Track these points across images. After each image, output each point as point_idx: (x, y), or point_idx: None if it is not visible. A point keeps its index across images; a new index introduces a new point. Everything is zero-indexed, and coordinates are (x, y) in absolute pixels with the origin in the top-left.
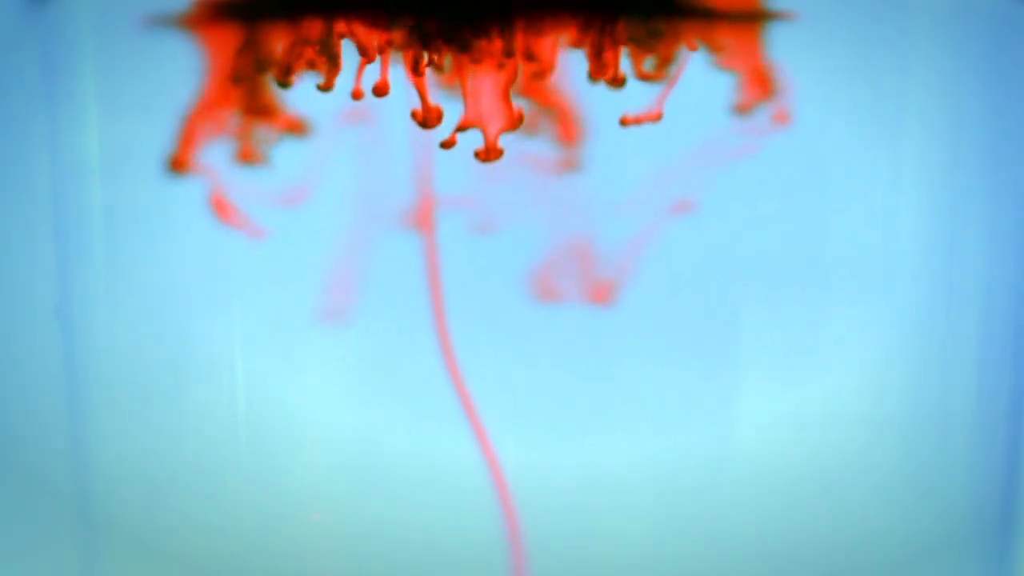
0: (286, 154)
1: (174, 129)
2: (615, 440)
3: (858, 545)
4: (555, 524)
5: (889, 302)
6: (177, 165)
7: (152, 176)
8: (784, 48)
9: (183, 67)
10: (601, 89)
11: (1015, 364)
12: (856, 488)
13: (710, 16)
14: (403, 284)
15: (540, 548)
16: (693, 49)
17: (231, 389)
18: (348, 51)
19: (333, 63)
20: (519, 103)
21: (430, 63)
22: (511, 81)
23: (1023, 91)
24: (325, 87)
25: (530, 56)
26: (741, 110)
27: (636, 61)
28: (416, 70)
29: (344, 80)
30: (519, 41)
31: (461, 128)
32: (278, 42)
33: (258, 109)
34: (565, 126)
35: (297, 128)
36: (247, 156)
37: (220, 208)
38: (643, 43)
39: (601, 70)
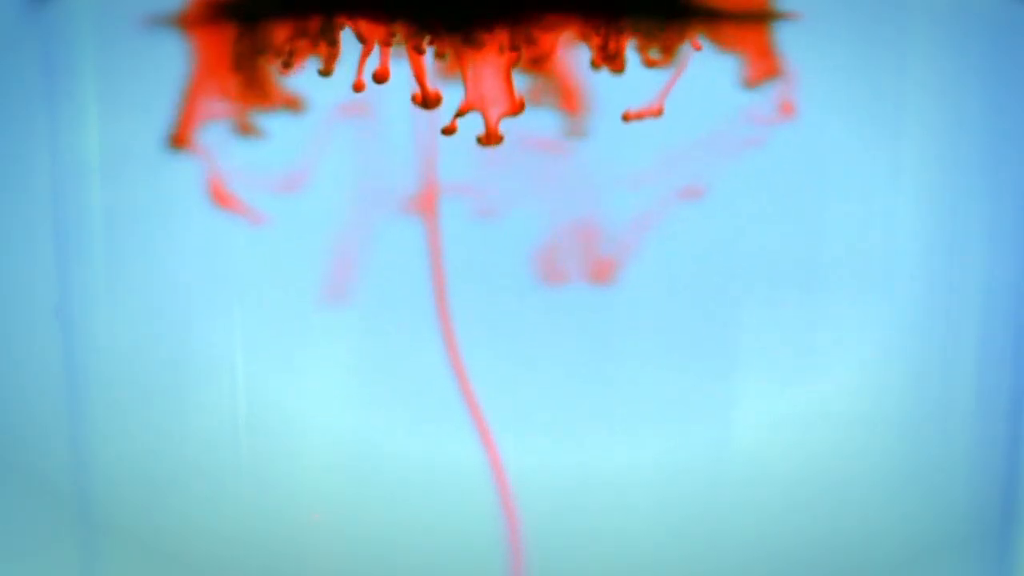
0: (287, 143)
1: (175, 109)
2: (614, 440)
3: (858, 545)
4: (554, 524)
5: (889, 302)
6: (177, 142)
7: (152, 176)
8: (784, 48)
9: (183, 67)
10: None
11: (1015, 364)
12: (856, 488)
13: (715, 16)
14: (405, 272)
15: (540, 548)
16: (698, 48)
17: (231, 389)
18: (349, 39)
19: (333, 49)
20: (521, 82)
21: (432, 44)
22: (512, 65)
23: (1023, 91)
24: (325, 71)
25: (531, 41)
26: (748, 84)
27: (642, 50)
28: (418, 48)
29: (346, 67)
30: (521, 33)
31: (461, 112)
32: (278, 31)
33: (258, 95)
34: (568, 97)
35: (294, 104)
36: (245, 131)
37: (219, 195)
38: (649, 34)
39: (605, 59)
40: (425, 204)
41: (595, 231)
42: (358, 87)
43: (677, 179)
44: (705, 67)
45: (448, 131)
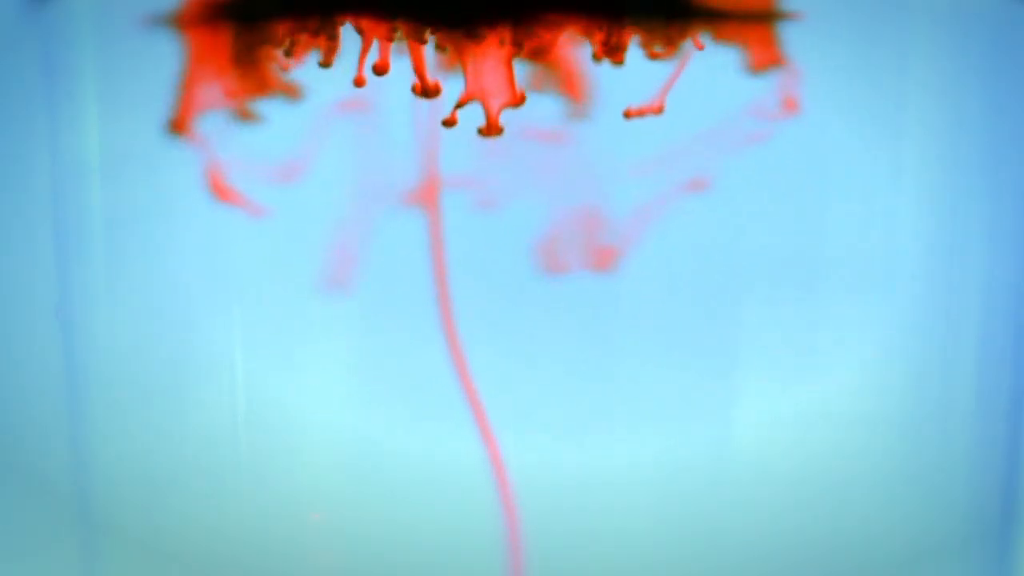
0: (286, 131)
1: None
2: (615, 438)
3: (858, 545)
4: (555, 521)
5: (889, 302)
6: (176, 128)
7: (152, 175)
8: (787, 47)
9: (182, 65)
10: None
11: (1015, 364)
12: (856, 488)
13: (717, 16)
14: (406, 265)
15: (540, 545)
16: (700, 48)
17: (231, 388)
18: (349, 34)
19: (332, 43)
20: (521, 71)
21: (432, 34)
22: (512, 56)
23: (1023, 91)
24: (325, 63)
25: (533, 36)
26: (751, 71)
27: (645, 45)
28: (418, 39)
29: (346, 60)
30: (523, 31)
31: (462, 104)
32: (278, 27)
33: (257, 85)
34: (570, 84)
35: (292, 92)
36: (244, 117)
37: (218, 188)
38: (651, 32)
39: (607, 52)
40: (426, 196)
41: (596, 222)
42: (359, 83)
43: (679, 172)
44: (708, 61)
45: (448, 123)
